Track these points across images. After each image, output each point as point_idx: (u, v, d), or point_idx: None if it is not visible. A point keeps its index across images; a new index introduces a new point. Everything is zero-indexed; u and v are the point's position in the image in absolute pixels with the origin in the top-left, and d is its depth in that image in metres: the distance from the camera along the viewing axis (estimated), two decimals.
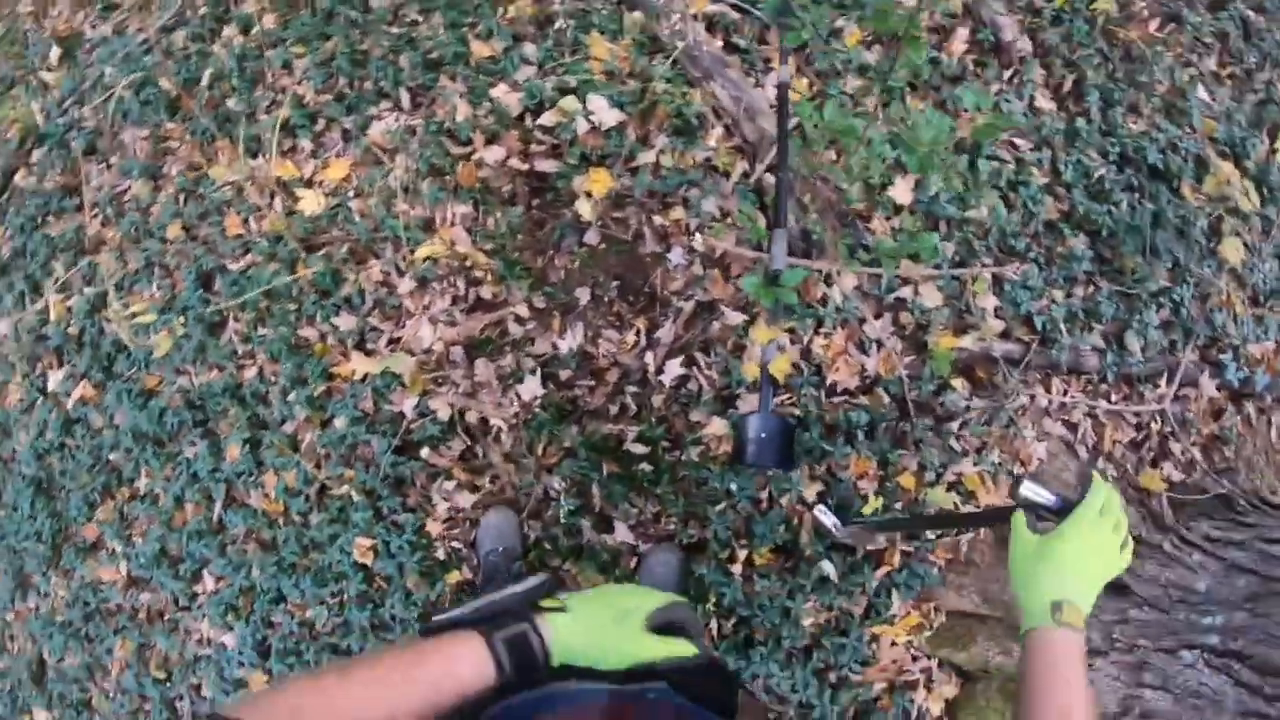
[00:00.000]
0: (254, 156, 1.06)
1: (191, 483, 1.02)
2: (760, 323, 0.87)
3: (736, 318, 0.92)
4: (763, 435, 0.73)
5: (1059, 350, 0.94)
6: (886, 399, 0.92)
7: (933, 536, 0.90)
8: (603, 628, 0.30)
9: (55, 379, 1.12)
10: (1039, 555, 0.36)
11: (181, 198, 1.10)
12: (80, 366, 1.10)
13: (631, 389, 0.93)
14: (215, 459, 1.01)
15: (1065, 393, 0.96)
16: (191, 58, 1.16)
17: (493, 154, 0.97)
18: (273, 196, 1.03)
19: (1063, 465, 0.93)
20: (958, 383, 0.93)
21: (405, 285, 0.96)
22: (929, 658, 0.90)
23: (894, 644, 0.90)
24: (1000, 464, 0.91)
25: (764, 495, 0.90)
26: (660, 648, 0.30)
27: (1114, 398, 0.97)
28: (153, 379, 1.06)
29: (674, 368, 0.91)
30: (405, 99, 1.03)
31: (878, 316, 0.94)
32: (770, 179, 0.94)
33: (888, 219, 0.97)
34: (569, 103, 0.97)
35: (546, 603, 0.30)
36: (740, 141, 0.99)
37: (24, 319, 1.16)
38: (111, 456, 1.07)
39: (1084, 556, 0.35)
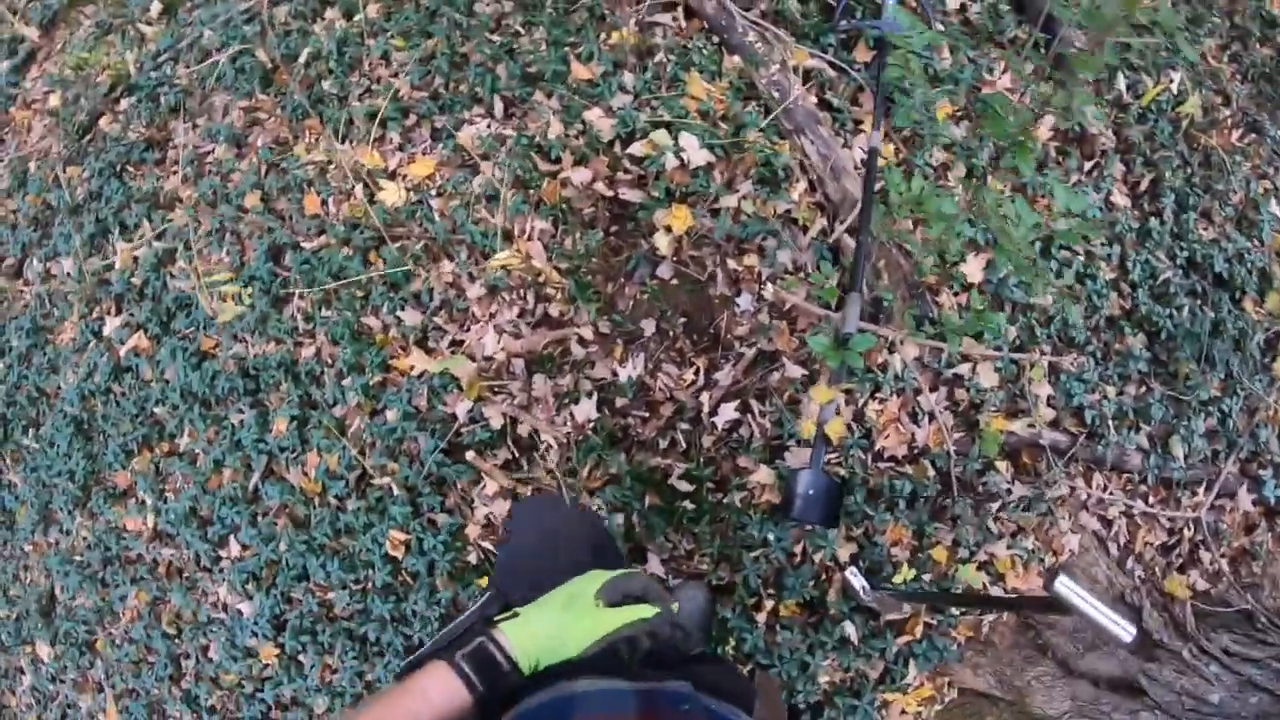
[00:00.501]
0: (341, 140, 1.07)
1: (233, 449, 1.04)
2: (821, 382, 0.88)
3: (796, 371, 0.94)
4: (810, 492, 0.75)
5: (1105, 446, 0.95)
6: (931, 471, 0.93)
7: (957, 613, 0.91)
8: (553, 618, 0.31)
9: (111, 325, 1.13)
10: None
11: (264, 169, 1.11)
12: (139, 317, 1.11)
13: (683, 426, 0.94)
14: (261, 430, 1.02)
15: (1105, 489, 0.97)
16: (292, 34, 1.18)
17: (580, 175, 0.99)
18: (355, 182, 1.05)
19: (1093, 560, 0.94)
20: (1002, 465, 0.94)
21: (475, 290, 0.97)
22: None
23: (904, 712, 0.91)
24: (1034, 550, 0.92)
25: (798, 549, 0.92)
26: (617, 617, 0.31)
27: (1151, 500, 0.98)
28: (210, 341, 1.07)
29: (728, 411, 0.93)
30: (499, 107, 1.05)
31: (933, 389, 0.95)
32: (848, 240, 0.95)
33: (956, 295, 0.98)
34: (661, 137, 0.99)
35: (500, 616, 0.31)
36: (822, 198, 1.00)
37: (89, 261, 1.18)
38: (156, 410, 1.09)
39: None
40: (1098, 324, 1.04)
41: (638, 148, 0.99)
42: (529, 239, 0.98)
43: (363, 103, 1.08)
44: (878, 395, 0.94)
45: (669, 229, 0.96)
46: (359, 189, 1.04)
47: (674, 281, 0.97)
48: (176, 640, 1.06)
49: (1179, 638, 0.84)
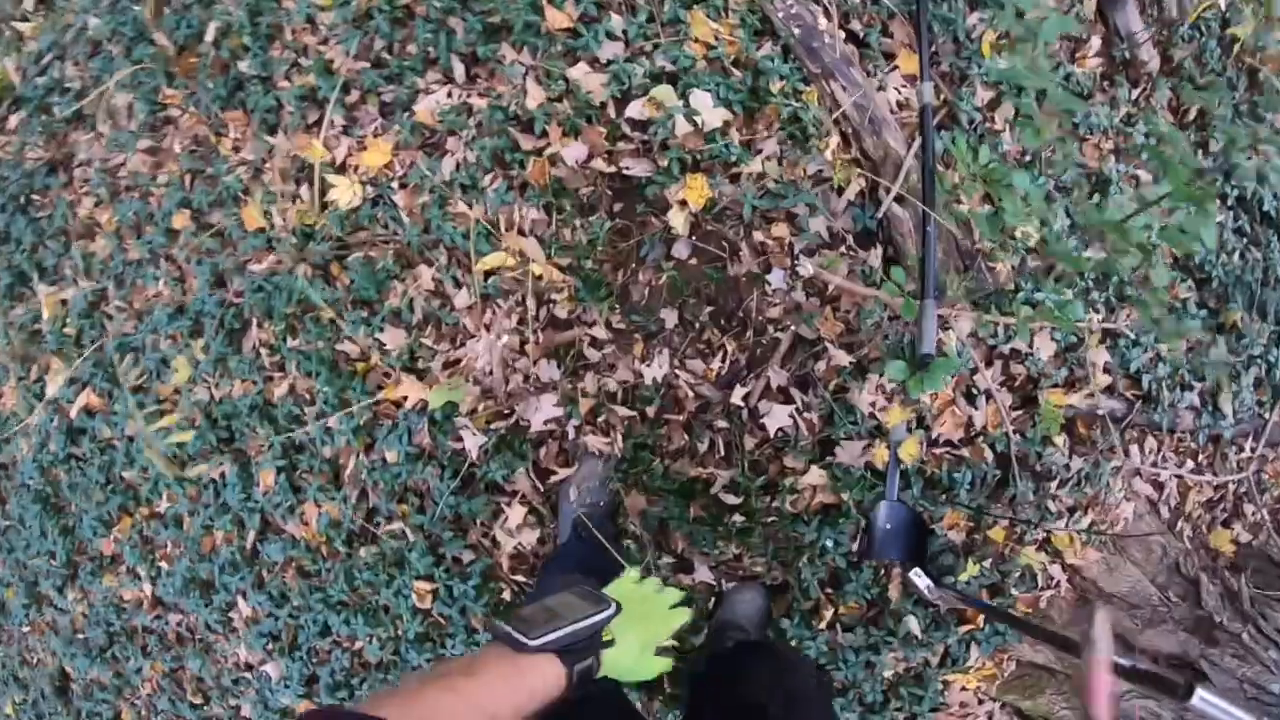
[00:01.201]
0: (272, 131, 0.75)
1: (221, 510, 0.78)
2: (894, 403, 0.66)
3: (843, 357, 0.71)
4: (889, 526, 0.56)
5: (1160, 409, 0.77)
6: (989, 454, 0.74)
7: (1014, 592, 0.75)
8: (635, 659, 0.35)
9: (54, 384, 0.84)
10: None
11: (188, 179, 0.79)
12: (83, 371, 0.82)
13: (720, 425, 0.71)
14: (246, 485, 0.77)
15: (1158, 452, 0.79)
16: (191, 7, 0.81)
17: (572, 151, 0.69)
18: (298, 183, 0.74)
19: (1147, 526, 0.78)
20: (1059, 440, 0.75)
21: (463, 299, 0.70)
22: (994, 700, 0.78)
23: (964, 689, 0.77)
24: (1092, 525, 0.76)
25: (855, 547, 0.73)
26: (661, 665, 0.36)
27: (1201, 458, 0.82)
28: (166, 388, 0.80)
29: (768, 407, 0.71)
30: (459, 70, 0.72)
31: (988, 365, 0.74)
32: (898, 211, 0.70)
33: (1010, 259, 0.75)
34: (664, 93, 0.69)
35: (607, 635, 0.34)
36: (858, 154, 0.74)
37: (14, 315, 0.86)
38: (125, 474, 0.82)
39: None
40: (1147, 274, 0.82)
41: (637, 109, 0.69)
42: (519, 233, 0.70)
43: (291, 82, 0.75)
44: None
45: (684, 204, 0.69)
46: (304, 190, 0.74)
47: (693, 262, 0.71)
48: (205, 706, 0.86)
49: (1237, 618, 0.70)
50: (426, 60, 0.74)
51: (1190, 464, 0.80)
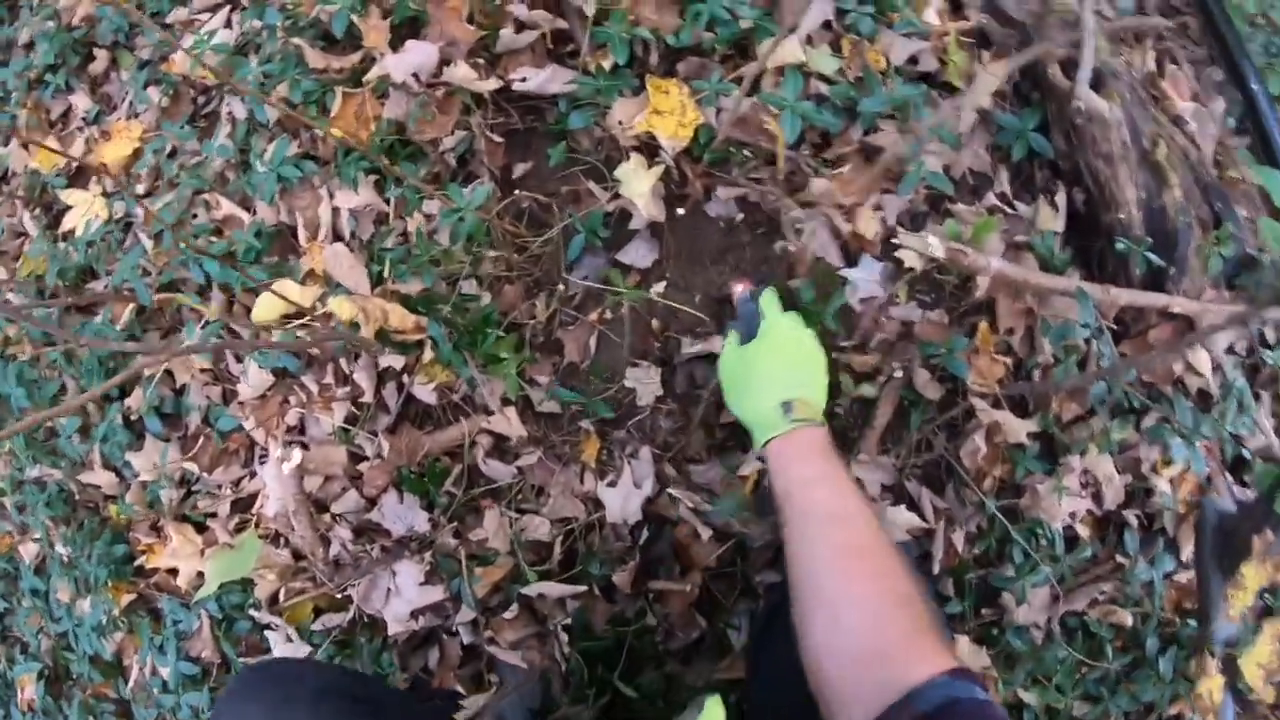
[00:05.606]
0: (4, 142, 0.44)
1: None
2: (1248, 573, 0.23)
3: (1014, 425, 0.30)
4: None
5: None
6: None
7: None
8: None
9: None
10: (749, 363, 0.26)
11: None
12: None
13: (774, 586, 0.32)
14: (3, 692, 0.44)
15: None
16: None
17: (408, 59, 0.32)
18: (24, 210, 0.42)
19: None
20: None
21: (249, 384, 0.34)
22: None
23: None
24: None
25: None
26: None
27: None
28: None
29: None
30: None
31: None
32: (1098, 107, 0.30)
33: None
34: None
35: None
36: (980, 20, 0.34)
37: None
38: None
39: (793, 349, 0.26)
40: None
41: None
42: (321, 239, 0.33)
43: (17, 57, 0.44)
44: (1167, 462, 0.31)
45: (647, 148, 0.31)
46: (30, 221, 0.42)
47: (671, 280, 0.32)
48: None
49: None
50: None
51: None
